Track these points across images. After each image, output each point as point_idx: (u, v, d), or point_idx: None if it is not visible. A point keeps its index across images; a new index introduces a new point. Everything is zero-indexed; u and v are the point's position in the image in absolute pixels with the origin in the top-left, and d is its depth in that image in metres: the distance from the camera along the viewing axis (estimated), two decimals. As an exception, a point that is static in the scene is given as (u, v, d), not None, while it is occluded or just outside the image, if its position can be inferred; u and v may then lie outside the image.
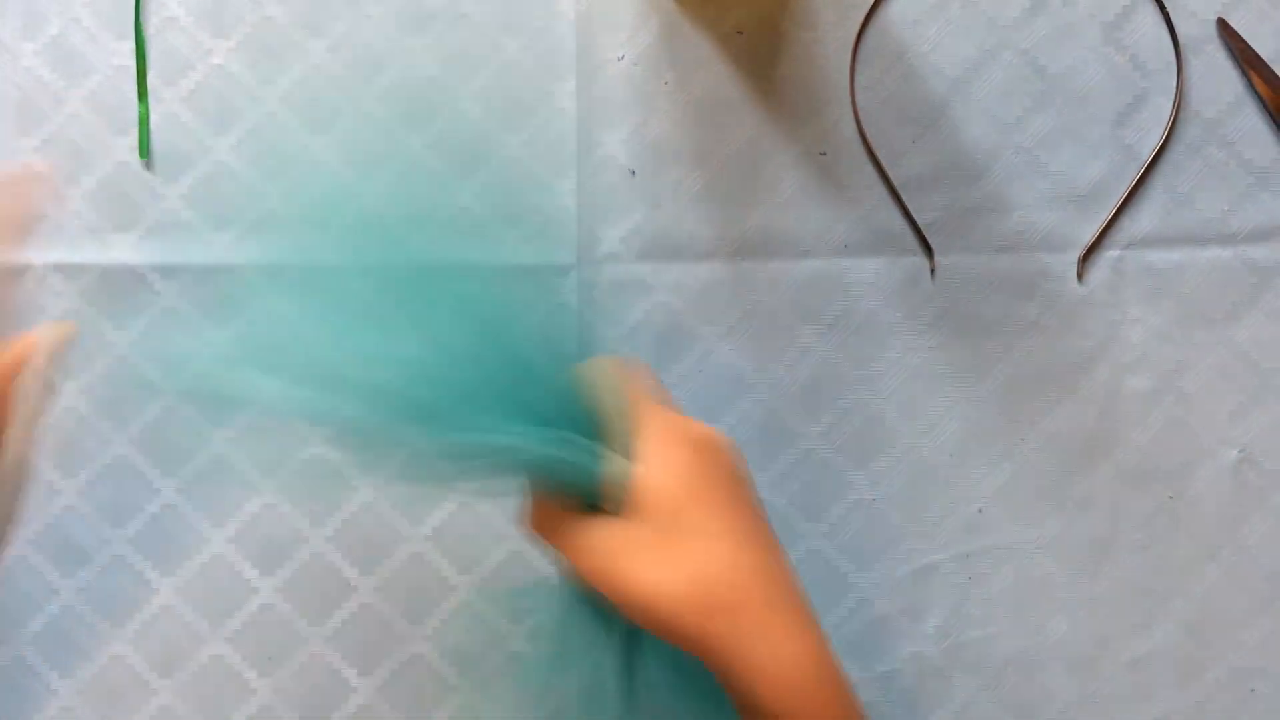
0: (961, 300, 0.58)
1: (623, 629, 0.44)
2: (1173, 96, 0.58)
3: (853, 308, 0.58)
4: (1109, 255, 0.58)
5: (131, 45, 0.59)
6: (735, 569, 0.40)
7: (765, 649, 0.39)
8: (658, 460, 0.41)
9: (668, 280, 0.58)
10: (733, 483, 0.42)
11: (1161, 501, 0.57)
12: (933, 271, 0.58)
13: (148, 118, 0.59)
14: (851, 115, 0.58)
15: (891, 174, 0.58)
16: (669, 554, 0.40)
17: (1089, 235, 0.58)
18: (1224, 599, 0.57)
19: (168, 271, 0.59)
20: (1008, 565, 0.57)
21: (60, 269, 0.59)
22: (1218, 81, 0.58)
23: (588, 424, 0.43)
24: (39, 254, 0.59)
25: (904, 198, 0.58)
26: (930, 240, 0.58)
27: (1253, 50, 0.57)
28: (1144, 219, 0.58)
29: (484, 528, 0.58)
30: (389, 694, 0.58)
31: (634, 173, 0.58)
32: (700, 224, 0.58)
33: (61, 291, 0.59)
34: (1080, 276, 0.58)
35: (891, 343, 0.58)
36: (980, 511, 0.57)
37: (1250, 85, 0.58)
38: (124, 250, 0.59)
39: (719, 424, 0.58)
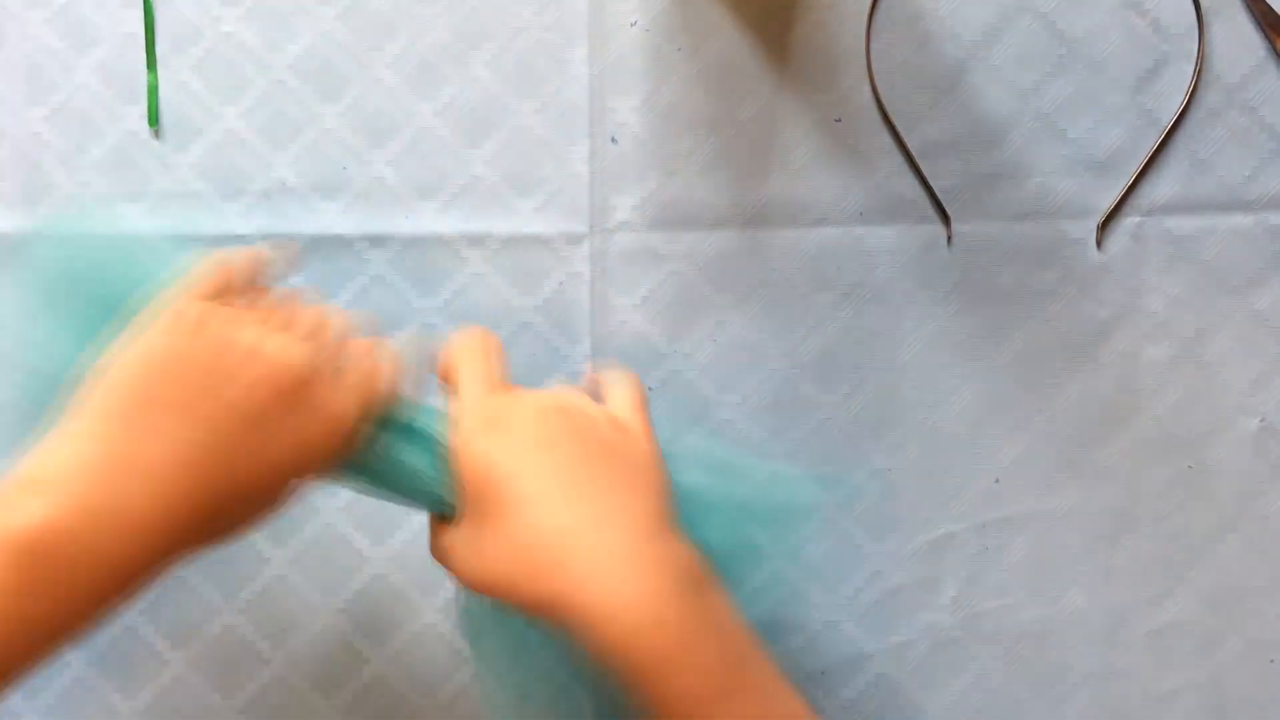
0: (979, 268, 0.57)
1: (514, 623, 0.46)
2: (1194, 61, 0.57)
3: (868, 276, 0.57)
4: (1128, 222, 0.57)
5: (140, 13, 0.59)
6: (556, 528, 0.40)
7: (599, 595, 0.38)
8: (465, 452, 0.42)
9: (680, 249, 0.58)
10: (566, 441, 0.42)
11: (1180, 471, 0.57)
12: (949, 239, 0.57)
13: (157, 86, 0.59)
14: (867, 81, 0.57)
15: (908, 140, 0.57)
16: (491, 534, 0.41)
17: (1108, 202, 0.57)
18: (1243, 569, 0.56)
19: (178, 241, 0.58)
20: (1025, 536, 0.57)
21: (70, 239, 0.58)
22: (1239, 46, 0.57)
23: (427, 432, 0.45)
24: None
25: (920, 164, 0.57)
26: (947, 207, 0.57)
27: (1275, 13, 0.56)
28: (1164, 185, 0.57)
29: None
30: (401, 664, 0.58)
31: (615, 140, 0.58)
32: (713, 192, 0.58)
33: (71, 261, 0.58)
34: (1099, 244, 0.57)
35: (908, 311, 0.57)
36: (997, 481, 0.57)
37: (1273, 49, 0.57)
38: (133, 220, 0.58)
39: (733, 394, 0.57)
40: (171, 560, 0.39)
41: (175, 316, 0.41)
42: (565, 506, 0.40)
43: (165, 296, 0.42)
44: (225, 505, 0.40)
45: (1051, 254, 0.57)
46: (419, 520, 0.57)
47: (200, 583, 0.58)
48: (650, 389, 0.57)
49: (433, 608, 0.58)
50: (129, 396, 0.39)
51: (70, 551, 0.36)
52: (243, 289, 0.45)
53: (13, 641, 0.36)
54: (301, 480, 0.43)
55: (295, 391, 0.41)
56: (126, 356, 0.40)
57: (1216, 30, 0.57)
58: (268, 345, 0.41)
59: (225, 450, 0.39)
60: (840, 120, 0.58)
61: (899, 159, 0.57)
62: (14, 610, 0.35)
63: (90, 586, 0.37)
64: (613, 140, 0.58)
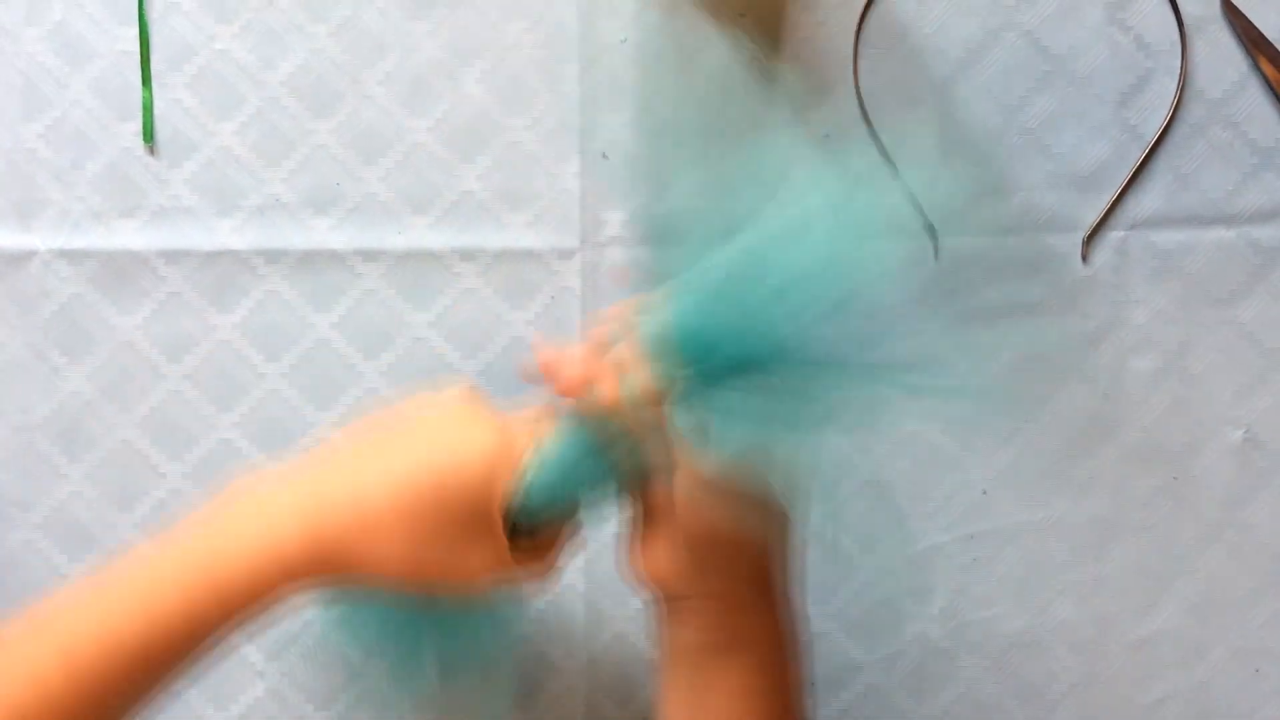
0: (965, 282, 0.58)
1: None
2: (1177, 77, 0.58)
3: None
4: (1113, 236, 0.58)
5: (135, 31, 0.59)
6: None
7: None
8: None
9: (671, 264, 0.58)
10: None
11: (1166, 482, 0.57)
12: (936, 254, 0.58)
13: (151, 103, 0.59)
14: (855, 97, 0.58)
15: (894, 156, 0.58)
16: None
17: (1093, 216, 0.58)
18: (1228, 579, 0.57)
19: (172, 257, 0.59)
20: (1012, 546, 0.57)
21: (65, 254, 0.59)
22: (1222, 62, 0.58)
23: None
24: (44, 239, 0.59)
25: (907, 180, 0.58)
26: (933, 222, 0.58)
27: (1257, 30, 0.57)
28: (1148, 200, 0.58)
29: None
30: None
31: (606, 156, 0.58)
32: (704, 207, 0.58)
33: (66, 277, 0.59)
34: (1084, 257, 0.58)
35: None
36: (985, 493, 0.57)
37: (1255, 65, 0.57)
38: (128, 235, 0.59)
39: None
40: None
41: None
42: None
43: None
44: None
45: (1037, 268, 0.58)
46: None
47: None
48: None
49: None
50: None
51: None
52: None
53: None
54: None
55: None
56: None
57: (1199, 46, 0.58)
58: None
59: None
60: (829, 135, 0.58)
61: (886, 174, 0.58)
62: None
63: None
64: (604, 156, 0.58)
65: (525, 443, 0.44)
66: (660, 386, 0.41)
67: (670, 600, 0.45)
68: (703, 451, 0.41)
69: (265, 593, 0.41)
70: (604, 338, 0.44)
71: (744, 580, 0.44)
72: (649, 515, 0.45)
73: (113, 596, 0.41)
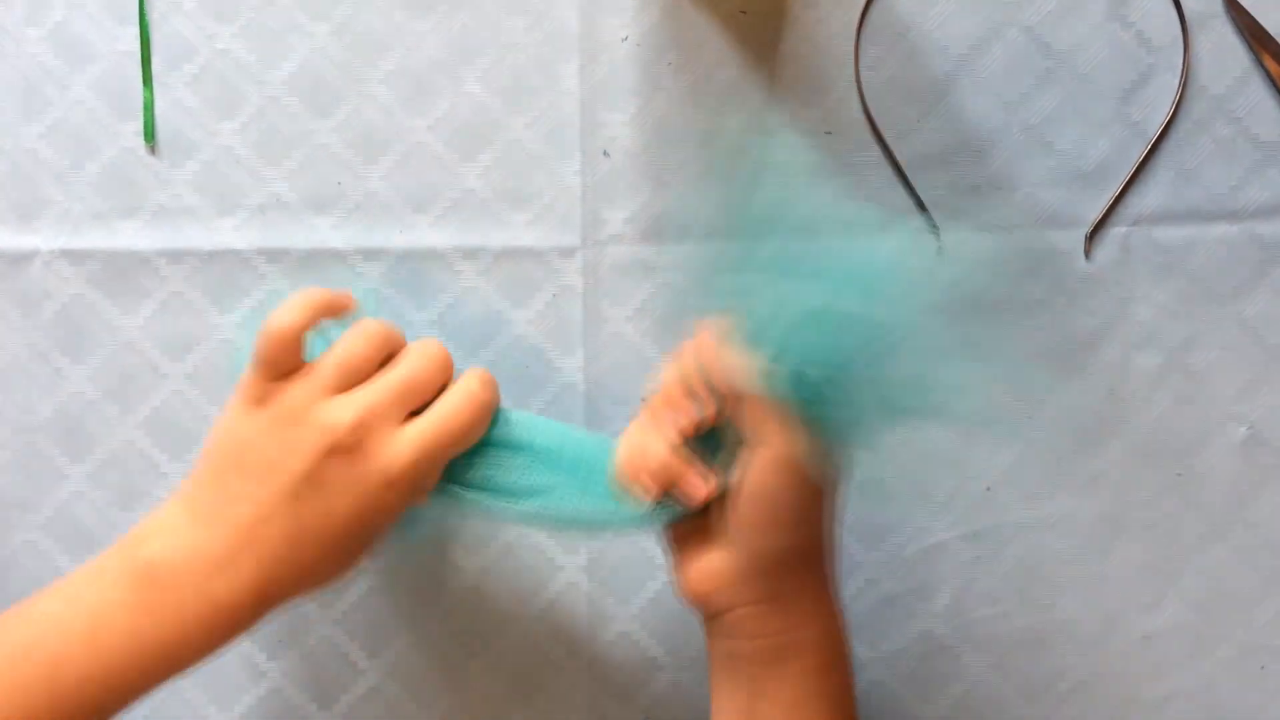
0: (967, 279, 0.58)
1: None
2: (1179, 73, 0.58)
3: (859, 287, 0.58)
4: (1116, 232, 0.58)
5: (135, 31, 0.59)
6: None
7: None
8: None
9: (673, 261, 0.58)
10: None
11: (1170, 479, 0.57)
12: (939, 250, 0.58)
13: (152, 103, 0.59)
14: (856, 94, 0.58)
15: (896, 153, 0.58)
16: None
17: (1096, 213, 0.57)
18: (1233, 576, 0.57)
19: (174, 256, 0.59)
20: (1016, 543, 0.57)
21: (66, 254, 0.59)
22: (1224, 57, 0.57)
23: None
24: (45, 240, 0.59)
25: (909, 177, 0.58)
26: (935, 219, 0.58)
27: (1260, 25, 0.57)
28: (1151, 196, 0.57)
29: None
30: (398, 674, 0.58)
31: (606, 154, 0.58)
32: (705, 204, 0.58)
33: (68, 277, 0.59)
34: (1087, 254, 0.58)
35: (898, 322, 0.58)
36: (989, 490, 0.57)
37: (1257, 60, 0.57)
38: (130, 235, 0.59)
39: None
40: (269, 604, 0.45)
41: (243, 397, 0.47)
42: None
43: (241, 380, 0.47)
44: (306, 557, 0.45)
45: (1040, 265, 0.57)
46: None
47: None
48: (643, 400, 0.57)
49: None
50: (213, 468, 0.46)
51: (179, 582, 0.43)
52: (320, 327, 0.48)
53: (128, 660, 0.43)
54: (375, 529, 0.46)
55: (348, 450, 0.44)
56: (214, 434, 0.47)
57: (1201, 42, 0.58)
58: (318, 413, 0.45)
59: (293, 511, 0.44)
60: (830, 133, 0.58)
61: (888, 171, 0.58)
62: (131, 627, 0.43)
63: (196, 617, 0.43)
64: (604, 154, 0.58)
65: None
66: (757, 384, 0.43)
67: (720, 613, 0.45)
68: (790, 439, 0.43)
69: (216, 649, 0.44)
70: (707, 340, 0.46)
71: (794, 583, 0.45)
72: (702, 525, 0.46)
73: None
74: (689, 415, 0.46)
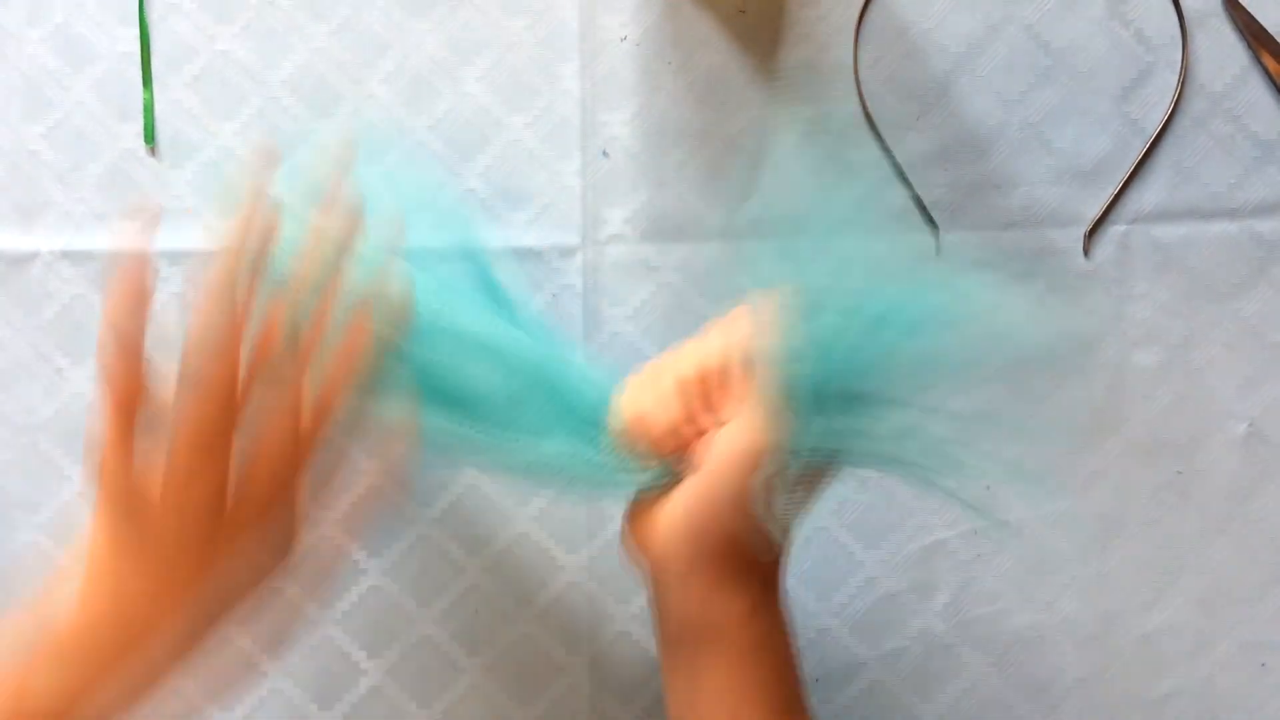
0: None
1: None
2: (1178, 71, 0.58)
3: (858, 286, 0.58)
4: (1115, 230, 0.58)
5: (136, 32, 0.59)
6: None
7: None
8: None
9: (672, 260, 0.58)
10: None
11: (1170, 476, 0.57)
12: (938, 249, 0.58)
13: (153, 104, 0.59)
14: (855, 93, 0.58)
15: (896, 152, 0.58)
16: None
17: (1095, 211, 0.58)
18: (1234, 573, 0.57)
19: (174, 257, 0.59)
20: (1016, 541, 0.57)
21: (67, 255, 0.59)
22: (1223, 55, 0.58)
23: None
24: (46, 240, 0.59)
25: (908, 175, 0.58)
26: (935, 217, 0.58)
27: (1258, 23, 0.57)
28: (1150, 194, 0.58)
29: (492, 508, 0.58)
30: (399, 675, 0.58)
31: (605, 154, 0.58)
32: (705, 204, 0.58)
33: (69, 278, 0.59)
34: (1086, 252, 0.58)
35: (897, 320, 0.58)
36: (988, 488, 0.57)
37: (1256, 58, 0.57)
38: (130, 236, 0.59)
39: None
40: (206, 624, 0.45)
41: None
42: None
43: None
44: (219, 555, 0.44)
45: (1039, 263, 0.57)
46: (415, 531, 0.58)
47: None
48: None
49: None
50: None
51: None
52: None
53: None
54: (281, 498, 0.45)
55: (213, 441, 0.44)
56: None
57: (1200, 40, 0.58)
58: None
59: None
60: (829, 132, 0.58)
61: (887, 170, 0.58)
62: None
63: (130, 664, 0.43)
64: (604, 153, 0.59)
65: None
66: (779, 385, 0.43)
67: (655, 573, 0.45)
68: (774, 438, 0.42)
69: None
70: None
71: (731, 566, 0.44)
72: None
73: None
74: (719, 391, 0.45)
